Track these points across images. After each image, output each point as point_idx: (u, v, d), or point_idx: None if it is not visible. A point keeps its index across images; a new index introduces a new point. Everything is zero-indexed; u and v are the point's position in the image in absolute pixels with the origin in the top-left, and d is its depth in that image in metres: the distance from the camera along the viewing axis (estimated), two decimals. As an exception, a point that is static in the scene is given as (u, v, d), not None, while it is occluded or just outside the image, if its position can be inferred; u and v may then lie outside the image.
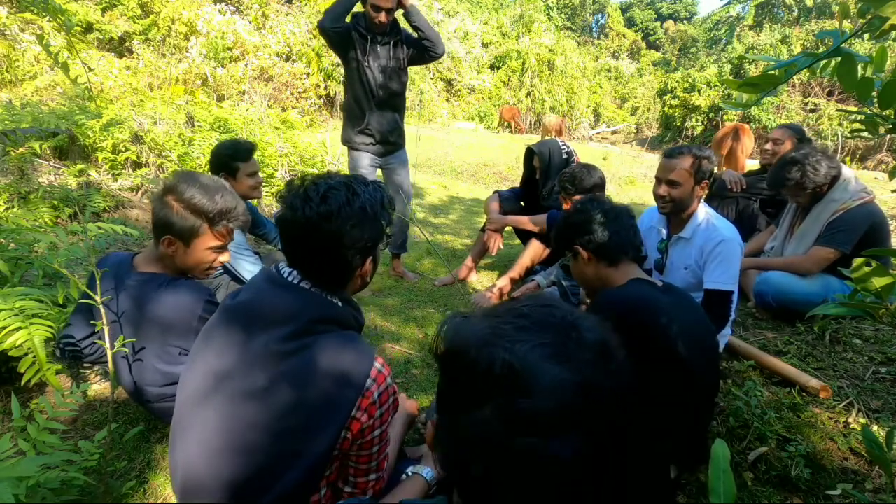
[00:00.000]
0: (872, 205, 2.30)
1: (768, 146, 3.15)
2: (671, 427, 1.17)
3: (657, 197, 2.05)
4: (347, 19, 2.77)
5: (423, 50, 2.90)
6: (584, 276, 1.50)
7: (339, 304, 1.04)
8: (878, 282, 0.87)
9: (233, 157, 2.31)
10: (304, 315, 0.97)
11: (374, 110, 2.92)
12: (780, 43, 14.59)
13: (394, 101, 2.98)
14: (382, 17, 2.70)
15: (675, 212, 2.05)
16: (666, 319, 1.19)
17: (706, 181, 2.01)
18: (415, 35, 2.92)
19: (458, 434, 0.51)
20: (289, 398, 0.93)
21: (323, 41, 11.43)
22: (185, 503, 0.99)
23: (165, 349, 1.43)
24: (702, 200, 2.07)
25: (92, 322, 1.42)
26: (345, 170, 5.91)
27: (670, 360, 1.15)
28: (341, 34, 2.73)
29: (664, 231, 2.19)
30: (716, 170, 4.02)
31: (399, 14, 2.85)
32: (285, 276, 1.03)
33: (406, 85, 3.06)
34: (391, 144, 3.05)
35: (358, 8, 2.77)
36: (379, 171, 3.14)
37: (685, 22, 39.65)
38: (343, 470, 1.04)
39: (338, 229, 0.97)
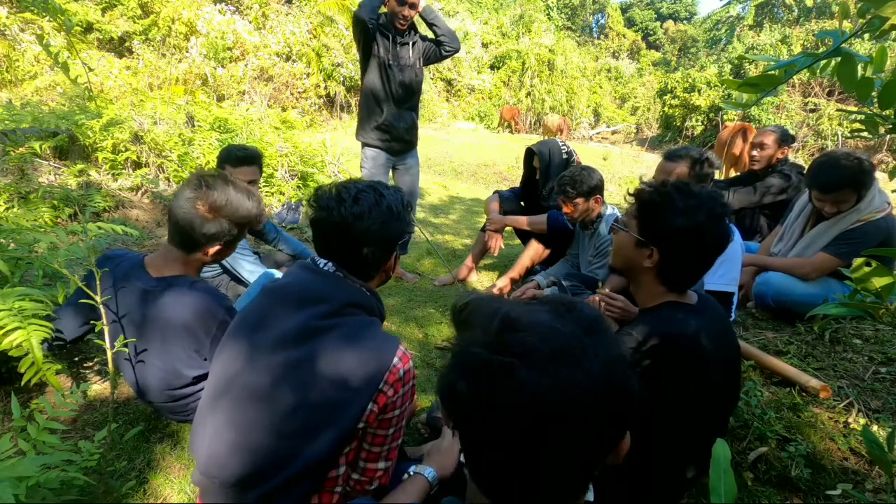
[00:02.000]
0: (890, 217, 2.22)
1: (755, 152, 3.14)
2: (689, 435, 1.16)
3: None
4: None
5: (439, 45, 3.01)
6: (633, 265, 1.25)
7: (367, 292, 1.15)
8: (878, 282, 0.87)
9: (223, 160, 2.34)
10: (339, 297, 1.08)
11: (393, 108, 2.98)
12: (780, 43, 14.58)
13: (412, 101, 3.06)
14: (406, 10, 2.78)
15: None
16: (699, 349, 1.14)
17: (704, 185, 2.01)
18: (430, 34, 3.02)
19: (451, 359, 0.58)
20: (322, 371, 1.01)
21: (323, 41, 11.51)
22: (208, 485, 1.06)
23: (188, 353, 1.44)
24: None
25: (93, 322, 1.42)
26: (344, 169, 5.91)
27: (697, 382, 1.14)
28: (375, 27, 2.83)
29: None
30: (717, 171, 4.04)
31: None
32: (321, 265, 1.14)
33: (422, 85, 3.14)
34: (406, 143, 3.11)
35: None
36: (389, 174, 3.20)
37: (685, 22, 39.63)
38: (356, 454, 1.08)
39: (369, 227, 1.09)
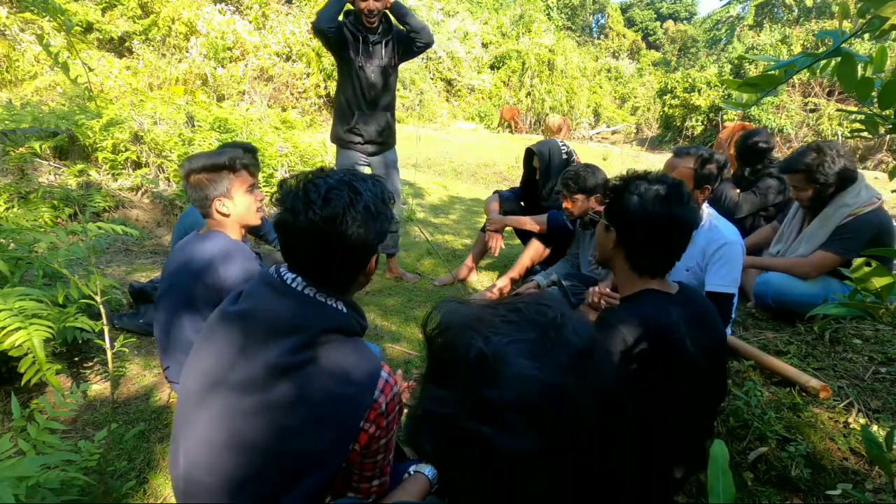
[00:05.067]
0: (881, 211, 2.25)
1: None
2: (677, 429, 1.16)
3: None
4: (340, 18, 2.81)
5: (410, 42, 2.91)
6: (606, 252, 1.33)
7: (344, 310, 1.00)
8: (878, 282, 0.87)
9: None
10: (310, 326, 0.94)
11: (364, 110, 2.94)
12: (780, 43, 14.58)
13: (384, 101, 3.00)
14: (371, 3, 2.69)
15: None
16: (679, 337, 1.15)
17: (708, 185, 2.00)
18: (402, 28, 2.93)
19: (420, 405, 0.53)
20: (295, 414, 0.91)
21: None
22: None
23: None
24: (704, 203, 2.05)
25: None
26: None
27: (680, 371, 1.15)
28: (336, 33, 2.77)
29: None
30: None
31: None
32: (288, 282, 0.98)
33: (396, 84, 3.08)
34: (380, 144, 3.06)
35: (348, 8, 2.81)
36: (367, 170, 3.16)
37: (685, 22, 39.60)
38: (346, 477, 1.03)
39: (343, 232, 0.93)
